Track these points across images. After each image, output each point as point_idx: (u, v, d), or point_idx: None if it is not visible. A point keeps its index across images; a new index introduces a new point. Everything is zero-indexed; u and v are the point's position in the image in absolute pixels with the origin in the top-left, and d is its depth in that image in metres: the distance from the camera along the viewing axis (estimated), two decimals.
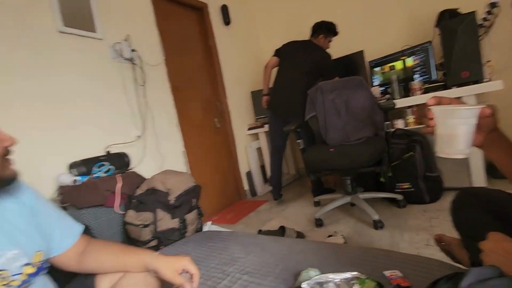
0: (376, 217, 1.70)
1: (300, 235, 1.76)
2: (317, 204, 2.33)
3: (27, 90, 1.47)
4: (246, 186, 3.02)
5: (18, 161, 0.67)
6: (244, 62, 3.27)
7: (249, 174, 3.06)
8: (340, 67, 2.56)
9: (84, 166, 1.53)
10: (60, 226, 0.79)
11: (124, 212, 1.47)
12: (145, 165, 1.93)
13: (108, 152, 1.74)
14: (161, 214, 1.36)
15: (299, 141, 2.07)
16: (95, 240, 0.88)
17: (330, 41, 2.48)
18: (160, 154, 2.10)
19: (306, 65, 2.34)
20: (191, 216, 1.47)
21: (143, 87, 2.04)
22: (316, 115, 2.17)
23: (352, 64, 2.67)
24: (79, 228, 0.85)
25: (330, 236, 1.64)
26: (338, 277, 0.74)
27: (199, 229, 1.55)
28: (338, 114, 2.09)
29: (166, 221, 1.36)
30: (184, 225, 1.41)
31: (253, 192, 3.05)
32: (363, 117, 2.02)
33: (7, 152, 0.62)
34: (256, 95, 3.25)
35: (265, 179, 3.12)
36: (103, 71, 1.84)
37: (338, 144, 1.99)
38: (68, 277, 0.82)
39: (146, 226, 1.33)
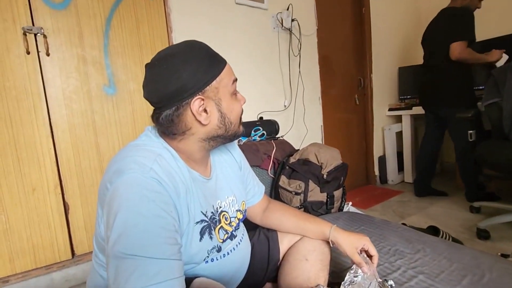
0: None
1: (456, 242, 1.50)
2: (475, 210, 1.92)
3: None
4: (376, 171, 2.79)
5: None
6: (397, 33, 2.86)
7: (381, 159, 2.80)
8: None
9: (243, 128, 1.69)
10: (253, 183, 0.89)
11: (273, 176, 1.58)
12: (289, 135, 2.00)
13: (261, 118, 1.88)
14: (312, 185, 1.39)
15: (470, 132, 1.69)
16: (274, 201, 0.96)
17: None
18: (305, 125, 2.13)
19: (443, 43, 1.91)
20: (337, 193, 1.45)
21: (296, 57, 2.06)
22: (499, 102, 1.71)
23: None
24: (263, 187, 0.94)
25: (504, 255, 1.33)
26: None
27: (341, 208, 1.52)
28: None
29: (316, 193, 1.39)
30: (332, 201, 1.40)
31: (383, 179, 2.80)
32: None
33: (242, 111, 0.71)
34: (403, 72, 2.85)
35: (400, 167, 2.79)
36: (263, 40, 1.94)
37: None
38: (249, 228, 0.93)
39: (297, 194, 1.39)
